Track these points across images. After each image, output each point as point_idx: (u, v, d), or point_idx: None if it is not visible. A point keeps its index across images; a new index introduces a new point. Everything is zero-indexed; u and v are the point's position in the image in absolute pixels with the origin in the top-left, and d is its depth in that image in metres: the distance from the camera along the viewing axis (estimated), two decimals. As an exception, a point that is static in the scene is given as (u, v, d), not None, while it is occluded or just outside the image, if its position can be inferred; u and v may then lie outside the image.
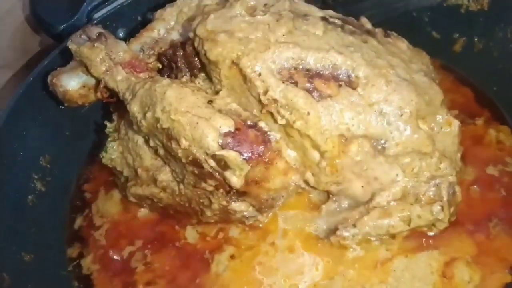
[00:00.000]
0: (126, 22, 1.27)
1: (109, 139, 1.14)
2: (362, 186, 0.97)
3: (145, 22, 1.18)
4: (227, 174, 0.96)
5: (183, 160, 0.98)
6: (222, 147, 0.94)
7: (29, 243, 1.08)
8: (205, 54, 0.97)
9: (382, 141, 0.95)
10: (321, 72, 0.96)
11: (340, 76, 0.96)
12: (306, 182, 1.01)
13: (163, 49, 1.11)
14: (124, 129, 1.11)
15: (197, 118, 0.95)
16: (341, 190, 0.99)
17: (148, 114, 0.98)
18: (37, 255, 1.07)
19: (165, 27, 1.13)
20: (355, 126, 0.95)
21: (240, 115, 0.98)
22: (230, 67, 0.96)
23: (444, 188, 0.97)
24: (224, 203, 1.01)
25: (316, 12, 1.03)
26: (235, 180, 0.96)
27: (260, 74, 0.95)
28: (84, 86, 1.12)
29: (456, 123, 0.99)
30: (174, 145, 0.97)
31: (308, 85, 0.95)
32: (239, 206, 1.02)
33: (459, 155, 1.02)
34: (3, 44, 1.46)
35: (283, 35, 0.96)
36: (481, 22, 1.20)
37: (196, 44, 1.00)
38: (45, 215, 1.15)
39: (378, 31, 1.07)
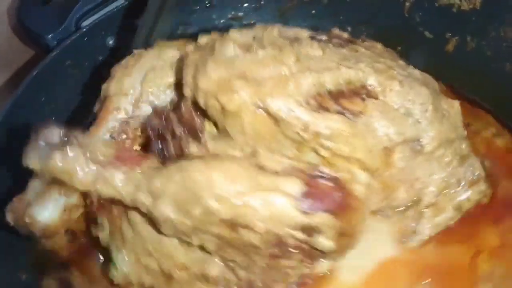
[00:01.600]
0: (116, 30, 1.25)
1: (113, 250, 0.92)
2: (406, 191, 0.96)
3: (134, 30, 1.16)
4: (319, 240, 0.83)
5: (262, 246, 0.82)
6: (306, 213, 0.81)
7: (26, 261, 1.05)
8: (222, 108, 0.84)
9: (418, 141, 0.95)
10: (342, 91, 0.90)
11: (358, 90, 0.91)
12: None
13: (138, 128, 0.93)
14: (131, 231, 0.89)
15: (264, 193, 0.80)
16: (388, 203, 0.96)
17: (196, 212, 0.80)
18: (34, 274, 1.04)
19: (130, 102, 0.95)
20: (394, 135, 0.92)
21: (296, 167, 0.86)
22: (255, 113, 0.85)
23: (478, 166, 1.00)
24: (307, 270, 0.88)
25: (302, 32, 0.98)
26: (328, 243, 0.84)
27: (292, 111, 0.86)
28: (65, 210, 0.90)
29: (456, 103, 1.01)
30: (245, 233, 0.81)
31: (337, 107, 0.89)
32: (322, 266, 0.91)
33: (465, 132, 1.04)
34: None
35: (294, 64, 0.89)
36: (473, 22, 1.19)
37: (202, 101, 0.86)
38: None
39: (353, 39, 1.04)
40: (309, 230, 0.82)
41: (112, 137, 0.92)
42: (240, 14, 1.37)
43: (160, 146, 0.90)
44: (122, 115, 0.94)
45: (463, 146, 1.00)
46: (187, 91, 0.87)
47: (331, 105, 0.88)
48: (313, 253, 0.86)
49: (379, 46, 1.05)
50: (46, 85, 1.17)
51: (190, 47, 0.96)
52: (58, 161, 0.81)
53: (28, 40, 1.29)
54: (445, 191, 0.98)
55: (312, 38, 0.98)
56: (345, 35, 1.05)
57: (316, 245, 0.83)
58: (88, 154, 0.83)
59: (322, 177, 0.86)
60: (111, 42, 1.25)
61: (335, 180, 0.86)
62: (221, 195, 0.79)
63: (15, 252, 1.05)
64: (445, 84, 1.21)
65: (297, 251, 0.84)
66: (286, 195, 0.80)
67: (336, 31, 1.05)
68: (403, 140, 0.93)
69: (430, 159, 0.96)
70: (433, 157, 0.96)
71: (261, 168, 0.84)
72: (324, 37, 1.00)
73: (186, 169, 0.80)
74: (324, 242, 0.83)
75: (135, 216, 0.87)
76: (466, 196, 0.98)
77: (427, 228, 0.98)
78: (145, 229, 0.87)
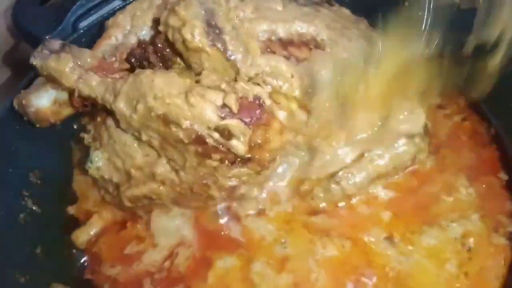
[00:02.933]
0: (113, 31, 1.24)
1: (92, 149, 1.12)
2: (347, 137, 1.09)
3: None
4: (232, 143, 1.00)
5: (186, 141, 1.00)
6: (222, 118, 0.98)
7: (24, 264, 1.06)
8: (183, 42, 1.01)
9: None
10: (292, 40, 1.07)
11: (308, 41, 1.07)
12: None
13: (124, 53, 1.10)
14: (107, 134, 1.09)
15: (192, 96, 0.98)
16: (327, 145, 1.09)
17: (139, 106, 1.00)
18: (33, 276, 1.05)
19: (122, 33, 1.13)
20: (333, 81, 1.04)
21: (228, 87, 1.01)
22: (211, 48, 1.01)
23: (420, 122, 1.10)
24: (229, 174, 1.05)
25: None
26: (241, 147, 1.01)
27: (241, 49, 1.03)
28: (55, 102, 1.09)
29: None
30: (174, 128, 1.00)
31: (284, 52, 1.05)
32: (243, 171, 1.05)
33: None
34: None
35: (251, 12, 1.06)
36: (473, 22, 1.18)
37: (170, 35, 1.03)
38: (38, 233, 1.12)
39: (322, 1, 1.18)
40: (223, 132, 0.99)
41: (103, 57, 1.10)
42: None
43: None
44: (113, 41, 1.12)
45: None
46: (161, 27, 1.05)
47: (279, 50, 1.05)
48: (231, 158, 1.03)
49: (346, 10, 1.18)
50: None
51: None
52: (52, 62, 1.05)
53: (25, 41, 1.28)
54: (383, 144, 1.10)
55: None
56: None
57: (231, 147, 1.01)
58: (76, 60, 1.06)
59: (248, 96, 1.01)
60: (108, 43, 1.24)
61: (256, 99, 1.02)
62: (157, 94, 0.99)
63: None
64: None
65: (217, 153, 1.02)
66: (209, 101, 0.99)
67: None
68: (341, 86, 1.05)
69: (370, 109, 1.08)
70: (374, 109, 1.08)
71: (198, 82, 1.02)
72: None
73: (138, 75, 1.02)
74: (238, 145, 1.00)
75: (111, 122, 1.08)
76: (403, 148, 1.09)
77: (365, 170, 1.10)
78: (116, 133, 1.08)
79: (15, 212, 1.11)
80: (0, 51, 1.43)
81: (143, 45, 1.09)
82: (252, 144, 1.01)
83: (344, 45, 1.07)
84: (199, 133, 0.99)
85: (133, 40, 1.12)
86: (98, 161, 1.11)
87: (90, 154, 1.12)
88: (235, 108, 0.99)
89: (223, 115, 0.98)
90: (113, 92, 1.03)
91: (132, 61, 1.11)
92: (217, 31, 1.03)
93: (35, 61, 1.06)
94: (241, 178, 1.07)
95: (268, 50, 1.04)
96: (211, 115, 0.98)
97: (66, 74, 1.05)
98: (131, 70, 1.09)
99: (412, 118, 1.11)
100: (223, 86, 1.00)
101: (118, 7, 1.24)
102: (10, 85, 1.36)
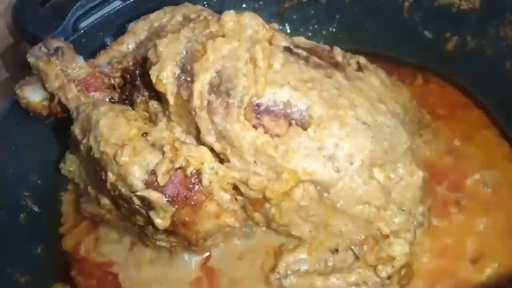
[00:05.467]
0: (113, 31, 1.23)
1: (69, 150, 1.11)
2: (310, 231, 0.94)
3: (132, 31, 1.16)
4: (151, 214, 0.92)
5: (111, 193, 0.95)
6: (147, 185, 0.90)
7: (24, 264, 1.05)
8: (154, 83, 0.93)
9: (330, 189, 0.90)
10: (271, 108, 0.90)
11: (292, 114, 0.90)
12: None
13: (130, 63, 1.07)
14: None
15: (125, 153, 0.90)
16: (289, 233, 0.95)
17: (84, 140, 0.97)
18: (34, 276, 1.05)
19: (135, 41, 1.10)
20: (301, 170, 0.89)
21: (172, 152, 0.91)
22: (174, 94, 0.93)
23: (399, 248, 0.93)
24: (157, 237, 0.98)
25: (280, 41, 0.96)
26: (159, 221, 0.92)
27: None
28: (46, 99, 1.09)
29: (419, 174, 0.94)
30: (103, 177, 0.94)
31: (256, 121, 0.90)
32: (171, 239, 0.98)
33: (421, 209, 0.96)
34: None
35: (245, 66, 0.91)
36: (473, 21, 1.19)
37: (148, 67, 0.96)
38: (38, 233, 1.12)
39: (353, 62, 1.01)
40: (144, 201, 0.91)
41: (110, 63, 1.08)
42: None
43: (128, 91, 1.06)
44: (124, 49, 1.10)
45: (397, 220, 0.92)
46: (148, 55, 0.97)
47: (250, 116, 0.90)
48: (154, 225, 0.93)
49: (374, 79, 1.00)
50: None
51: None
52: (41, 63, 1.05)
53: (26, 41, 1.28)
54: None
55: (286, 49, 0.95)
56: (339, 57, 1.00)
57: (152, 219, 0.92)
58: (64, 67, 1.04)
59: (185, 170, 0.90)
60: (109, 42, 1.23)
61: (193, 176, 0.91)
62: (97, 137, 0.94)
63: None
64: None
65: (139, 216, 0.95)
66: (139, 163, 0.90)
67: (336, 50, 1.01)
68: (309, 179, 0.90)
69: (341, 213, 0.91)
70: (346, 212, 0.91)
71: (145, 134, 0.93)
72: (303, 53, 0.96)
73: (94, 107, 0.98)
74: (156, 219, 0.92)
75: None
76: (362, 274, 0.93)
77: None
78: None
79: (15, 212, 1.10)
80: (0, 51, 1.43)
81: (137, 64, 1.04)
82: (176, 222, 0.92)
83: (331, 131, 0.89)
84: (122, 192, 0.92)
85: (142, 52, 1.06)
86: (71, 164, 1.10)
87: (66, 155, 1.11)
88: (161, 180, 0.89)
89: (148, 182, 0.90)
90: (77, 113, 1.01)
91: (126, 76, 1.07)
92: (189, 79, 0.92)
93: (29, 57, 1.06)
94: (171, 243, 0.99)
95: (242, 116, 0.89)
96: (134, 180, 0.90)
97: (50, 79, 1.04)
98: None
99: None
100: (166, 148, 0.91)
101: (118, 7, 1.23)
102: (10, 85, 1.36)
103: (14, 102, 1.12)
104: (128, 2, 1.24)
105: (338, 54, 1.00)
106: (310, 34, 1.37)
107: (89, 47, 1.20)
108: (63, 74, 1.04)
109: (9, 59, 1.43)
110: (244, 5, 1.35)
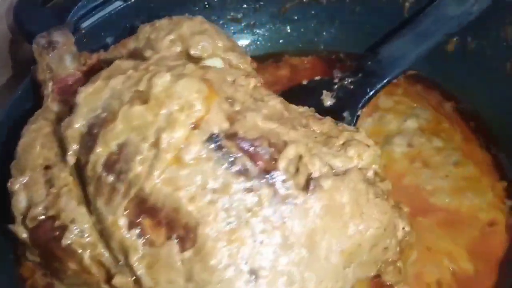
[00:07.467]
0: (115, 30, 1.24)
1: None
2: None
3: (133, 30, 1.16)
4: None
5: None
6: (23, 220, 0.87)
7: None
8: None
9: None
10: (159, 209, 0.76)
11: (177, 229, 0.75)
12: None
13: None
14: None
15: (19, 181, 0.89)
16: None
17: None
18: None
19: (135, 46, 1.08)
20: None
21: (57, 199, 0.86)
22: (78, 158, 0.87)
23: None
24: None
25: (212, 125, 0.79)
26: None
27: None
28: None
29: None
30: None
31: (135, 218, 0.77)
32: None
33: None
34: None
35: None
36: (473, 22, 1.19)
37: None
38: None
39: (302, 176, 0.78)
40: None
41: (76, 73, 1.06)
42: (239, 15, 1.37)
43: None
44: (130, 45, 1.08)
45: None
46: None
47: (132, 212, 0.78)
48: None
49: (319, 208, 0.77)
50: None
51: None
52: (37, 54, 1.06)
53: (27, 41, 1.28)
54: None
55: (211, 140, 0.78)
56: (283, 163, 0.79)
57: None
58: (50, 64, 1.05)
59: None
60: (110, 43, 1.23)
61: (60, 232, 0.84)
62: (15, 153, 0.94)
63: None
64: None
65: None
66: (25, 196, 0.88)
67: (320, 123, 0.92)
68: None
69: None
70: None
71: (48, 167, 0.89)
72: (232, 149, 0.79)
73: (31, 122, 0.97)
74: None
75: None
76: None
77: None
78: None
79: (15, 212, 1.10)
80: (1, 52, 1.43)
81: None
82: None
83: (215, 254, 0.74)
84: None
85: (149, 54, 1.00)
86: None
87: None
88: (29, 222, 0.86)
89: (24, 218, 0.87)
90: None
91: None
92: (90, 145, 0.82)
93: (34, 43, 1.07)
94: None
95: (123, 208, 0.78)
96: (15, 212, 0.88)
97: (39, 70, 1.06)
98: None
99: None
100: (52, 190, 0.87)
101: (119, 8, 1.24)
102: (10, 86, 1.36)
103: (15, 102, 1.12)
104: (129, 2, 1.24)
105: (289, 156, 0.79)
106: (310, 34, 1.37)
107: (91, 47, 1.20)
108: (48, 70, 1.05)
109: (11, 59, 1.43)
110: (244, 5, 1.36)
